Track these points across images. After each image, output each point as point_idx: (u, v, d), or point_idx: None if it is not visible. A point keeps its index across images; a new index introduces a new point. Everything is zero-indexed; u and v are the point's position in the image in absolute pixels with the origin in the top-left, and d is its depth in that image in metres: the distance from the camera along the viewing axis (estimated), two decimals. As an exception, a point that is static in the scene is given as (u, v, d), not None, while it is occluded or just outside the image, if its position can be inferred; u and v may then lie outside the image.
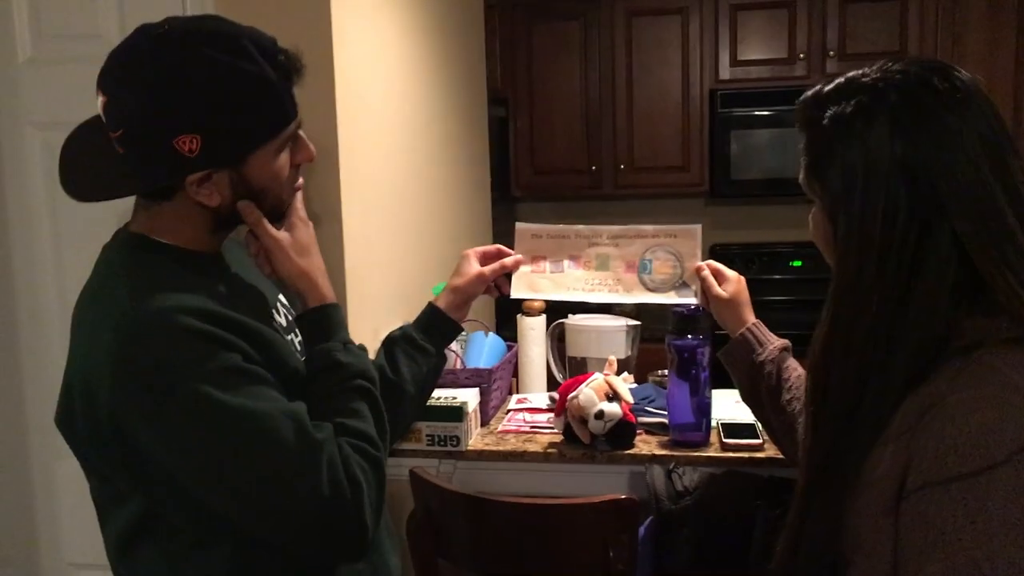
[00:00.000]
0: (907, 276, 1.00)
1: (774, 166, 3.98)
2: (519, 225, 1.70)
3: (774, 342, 1.54)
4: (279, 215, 1.28)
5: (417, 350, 1.57)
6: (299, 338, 1.34)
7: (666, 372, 2.31)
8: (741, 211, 4.28)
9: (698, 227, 1.65)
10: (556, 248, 1.68)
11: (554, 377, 2.41)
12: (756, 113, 3.97)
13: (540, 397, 2.19)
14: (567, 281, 1.67)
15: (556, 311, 2.44)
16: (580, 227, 1.69)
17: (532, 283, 1.67)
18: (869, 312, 1.02)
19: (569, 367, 2.42)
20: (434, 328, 1.61)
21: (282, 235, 1.27)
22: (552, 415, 2.01)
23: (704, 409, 1.81)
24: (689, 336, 1.78)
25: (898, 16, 3.83)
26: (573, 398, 1.82)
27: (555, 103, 4.17)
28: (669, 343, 1.80)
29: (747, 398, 1.57)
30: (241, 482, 1.11)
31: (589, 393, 1.80)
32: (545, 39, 4.14)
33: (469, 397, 1.89)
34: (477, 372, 1.99)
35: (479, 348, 2.09)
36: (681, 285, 1.63)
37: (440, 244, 2.68)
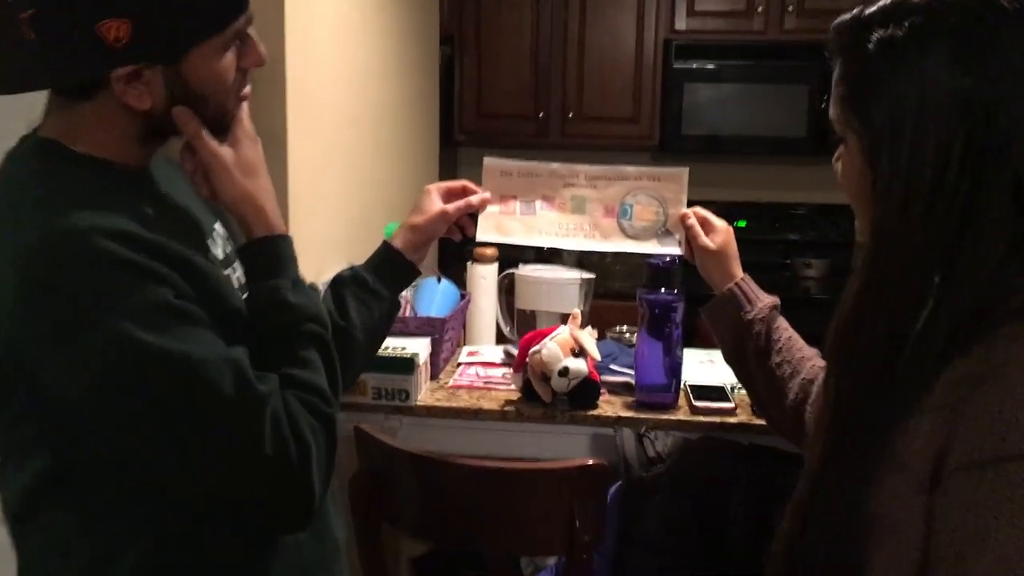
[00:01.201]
0: (958, 226, 0.88)
1: (726, 122, 3.87)
2: (487, 160, 1.53)
3: (764, 299, 1.41)
4: (222, 127, 1.08)
5: (369, 294, 1.40)
6: (238, 273, 1.16)
7: (625, 328, 2.20)
8: (688, 167, 4.15)
9: (685, 170, 1.51)
10: (528, 187, 1.52)
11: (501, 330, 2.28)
12: (710, 67, 3.84)
13: (493, 350, 2.04)
14: (539, 224, 1.50)
15: (508, 261, 2.30)
16: (555, 165, 1.53)
17: (500, 225, 1.50)
18: (912, 265, 0.90)
19: (518, 320, 2.28)
20: (388, 270, 1.43)
21: (225, 151, 1.08)
22: (508, 370, 1.87)
23: (675, 369, 1.69)
24: (663, 290, 1.65)
25: (859, -26, 3.73)
26: (535, 353, 1.67)
27: (504, 44, 3.97)
28: (641, 297, 1.67)
29: (731, 359, 1.45)
30: (168, 440, 0.94)
31: (553, 348, 1.65)
32: (496, -24, 3.93)
33: (420, 348, 1.73)
34: (428, 321, 1.82)
35: (430, 295, 1.92)
36: (664, 233, 1.49)
37: (388, 183, 2.50)
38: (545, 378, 1.66)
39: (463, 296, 2.06)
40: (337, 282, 1.41)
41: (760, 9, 3.81)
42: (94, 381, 0.92)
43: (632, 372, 1.76)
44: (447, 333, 1.87)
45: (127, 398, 0.92)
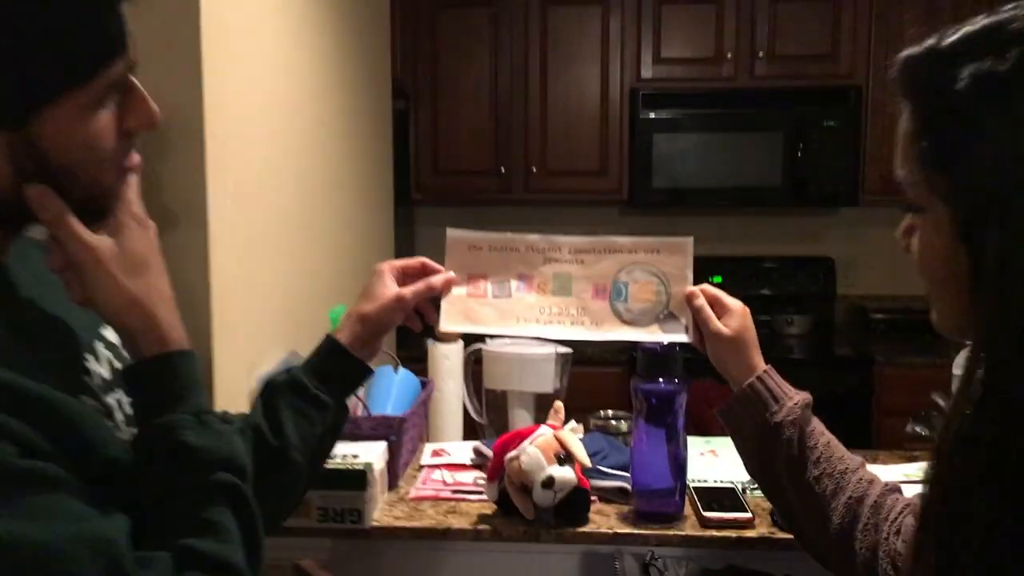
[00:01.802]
0: None
1: (697, 173, 3.67)
2: (451, 232, 1.27)
3: (793, 396, 1.16)
4: (99, 210, 0.82)
5: (310, 403, 1.13)
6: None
7: (610, 414, 1.93)
8: (659, 222, 3.93)
9: (689, 240, 1.26)
10: (501, 264, 1.26)
11: (471, 417, 2.01)
12: (680, 116, 3.65)
13: (461, 448, 1.76)
14: (516, 309, 1.24)
15: (474, 335, 2.04)
16: (533, 237, 1.26)
17: (468, 311, 1.24)
18: None
19: (487, 402, 2.02)
20: (334, 371, 1.16)
21: (102, 242, 0.81)
22: (480, 474, 1.60)
23: (681, 471, 1.42)
24: (661, 380, 1.39)
25: (831, 17, 3.57)
26: (512, 459, 1.40)
27: (461, 97, 3.74)
28: (636, 388, 1.41)
29: (757, 472, 1.19)
30: None
31: (534, 453, 1.38)
32: (451, 25, 3.71)
33: (374, 455, 1.45)
34: (385, 421, 1.54)
35: (386, 388, 1.65)
36: (667, 317, 1.23)
37: (336, 254, 2.22)
38: (525, 490, 1.39)
39: (424, 384, 1.79)
40: (269, 390, 1.14)
41: (729, 55, 3.64)
42: None
43: (627, 475, 1.50)
44: (407, 433, 1.59)
45: None
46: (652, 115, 3.64)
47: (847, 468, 1.10)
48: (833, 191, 3.63)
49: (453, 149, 3.77)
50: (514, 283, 1.25)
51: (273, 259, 1.69)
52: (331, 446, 1.21)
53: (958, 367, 1.66)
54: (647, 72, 3.68)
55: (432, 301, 1.24)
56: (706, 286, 1.23)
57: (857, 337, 3.78)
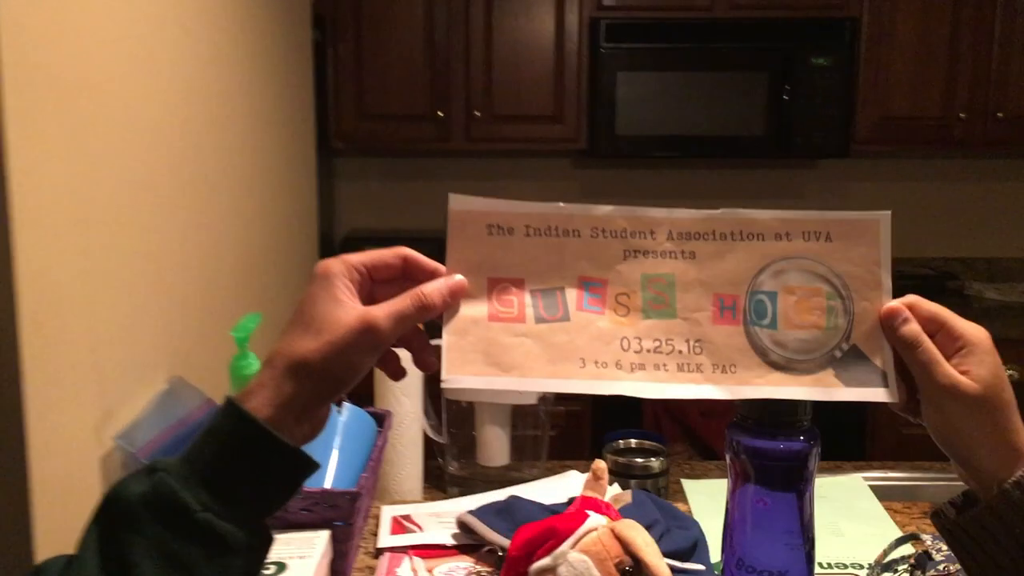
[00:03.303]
0: None
1: (668, 119, 3.18)
2: (457, 200, 0.69)
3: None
4: None
5: (193, 541, 0.58)
6: None
7: (632, 443, 1.40)
8: (623, 175, 3.44)
9: (883, 217, 0.71)
10: (548, 260, 0.69)
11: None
12: (647, 51, 3.14)
13: (433, 516, 1.19)
14: (579, 344, 0.68)
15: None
16: (605, 209, 0.70)
17: (493, 349, 0.67)
18: None
19: (448, 418, 1.48)
20: (243, 474, 0.60)
21: None
22: (471, 564, 1.05)
23: (811, 559, 0.90)
24: (781, 436, 0.86)
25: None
26: (545, 571, 0.85)
27: (390, 28, 3.17)
28: (737, 442, 0.87)
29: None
30: None
31: (582, 565, 0.84)
32: (377, -59, 3.12)
33: (309, 560, 0.88)
34: (328, 498, 0.97)
35: (325, 441, 1.07)
36: (848, 355, 0.69)
37: (242, 237, 1.61)
38: (568, 621, 0.84)
39: (381, 419, 1.22)
40: (115, 516, 0.58)
41: (707, -22, 3.13)
42: None
43: (701, 568, 0.97)
44: (360, 509, 1.02)
45: None
46: (615, 49, 3.13)
47: None
48: (821, 141, 3.18)
49: (381, 89, 3.20)
50: (573, 295, 0.69)
51: (134, 242, 1.08)
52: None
53: None
54: (610, -1, 3.14)
55: (425, 326, 0.68)
56: (918, 299, 0.69)
57: (845, 307, 3.36)
